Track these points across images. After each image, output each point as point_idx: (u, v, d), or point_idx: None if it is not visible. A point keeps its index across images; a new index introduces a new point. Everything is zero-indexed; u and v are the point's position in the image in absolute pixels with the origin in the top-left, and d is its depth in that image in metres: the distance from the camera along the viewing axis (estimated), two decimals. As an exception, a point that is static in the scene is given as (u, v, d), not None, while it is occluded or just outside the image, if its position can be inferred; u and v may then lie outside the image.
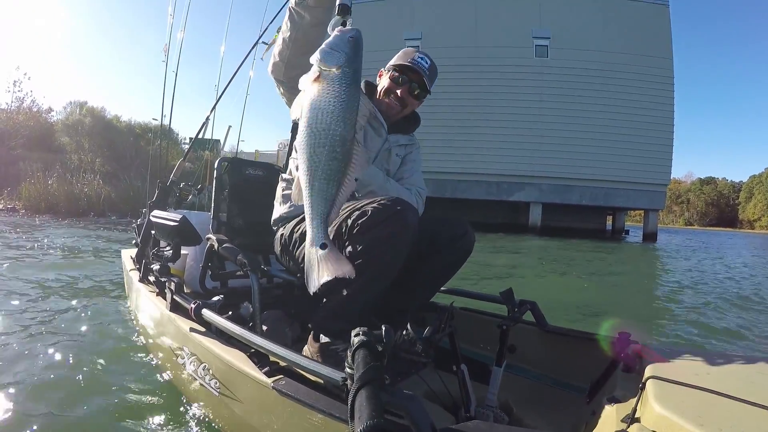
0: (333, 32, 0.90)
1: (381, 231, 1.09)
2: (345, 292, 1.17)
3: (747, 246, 17.42)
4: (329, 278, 0.88)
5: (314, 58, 0.87)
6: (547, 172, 15.26)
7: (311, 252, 0.90)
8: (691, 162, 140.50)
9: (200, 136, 2.79)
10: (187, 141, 10.83)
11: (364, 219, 1.11)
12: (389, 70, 1.44)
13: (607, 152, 15.07)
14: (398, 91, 1.42)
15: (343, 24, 0.98)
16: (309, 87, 0.84)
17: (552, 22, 15.53)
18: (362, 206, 1.15)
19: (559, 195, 15.37)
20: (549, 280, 5.48)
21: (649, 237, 15.72)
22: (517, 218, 15.74)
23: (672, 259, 9.42)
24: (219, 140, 10.29)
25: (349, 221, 1.14)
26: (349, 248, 1.13)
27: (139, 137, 16.74)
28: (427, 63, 1.43)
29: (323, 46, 0.87)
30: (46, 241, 5.64)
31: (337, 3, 0.95)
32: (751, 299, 4.51)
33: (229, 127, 6.77)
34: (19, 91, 17.00)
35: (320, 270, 0.89)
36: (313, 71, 0.86)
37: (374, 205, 1.12)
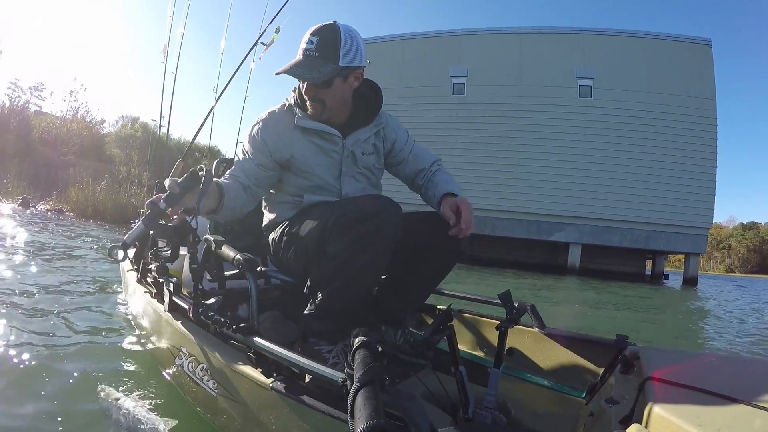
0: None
1: (358, 230, 1.08)
2: (326, 292, 1.16)
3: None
4: None
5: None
6: (588, 213, 14.86)
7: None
8: (734, 206, 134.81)
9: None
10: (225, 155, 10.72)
11: (343, 218, 1.10)
12: None
13: (649, 194, 14.60)
14: (302, 90, 1.25)
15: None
16: None
17: (596, 62, 15.28)
18: (344, 204, 1.14)
19: (599, 236, 14.92)
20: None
21: (690, 282, 14.98)
22: (556, 259, 15.38)
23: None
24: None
25: (331, 220, 1.12)
26: (330, 246, 1.12)
27: (186, 155, 17.45)
28: (312, 43, 1.17)
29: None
30: (65, 241, 5.60)
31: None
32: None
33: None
34: (74, 101, 17.45)
35: None
36: None
37: (354, 204, 1.11)
